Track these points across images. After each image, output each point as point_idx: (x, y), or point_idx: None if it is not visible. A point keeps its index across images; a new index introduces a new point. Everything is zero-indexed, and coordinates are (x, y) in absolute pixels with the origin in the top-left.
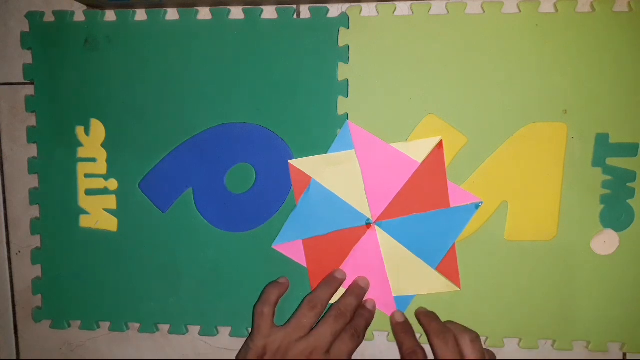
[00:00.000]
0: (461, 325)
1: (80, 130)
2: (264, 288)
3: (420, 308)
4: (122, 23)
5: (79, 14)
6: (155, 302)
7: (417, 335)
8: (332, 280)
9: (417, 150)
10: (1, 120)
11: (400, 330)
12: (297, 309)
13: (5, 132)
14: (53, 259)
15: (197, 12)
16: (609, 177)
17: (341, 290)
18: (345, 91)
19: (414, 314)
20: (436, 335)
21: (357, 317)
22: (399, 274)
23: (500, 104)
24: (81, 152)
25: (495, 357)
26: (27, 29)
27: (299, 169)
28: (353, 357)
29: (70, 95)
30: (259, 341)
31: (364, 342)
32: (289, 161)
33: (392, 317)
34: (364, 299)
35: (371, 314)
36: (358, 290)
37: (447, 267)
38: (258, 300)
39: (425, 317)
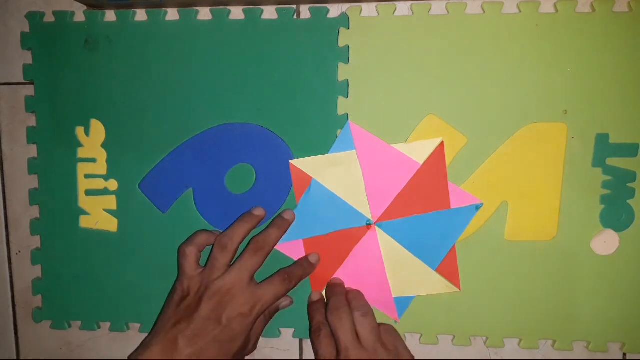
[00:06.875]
0: (360, 299)
1: (80, 131)
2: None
3: (333, 279)
4: (122, 23)
5: (79, 14)
6: (156, 302)
7: (418, 336)
8: (247, 218)
9: (418, 151)
10: (1, 120)
11: (314, 308)
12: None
13: (5, 132)
14: (53, 260)
15: (197, 12)
16: (609, 177)
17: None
18: (346, 91)
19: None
20: (331, 312)
21: (295, 264)
22: (399, 275)
23: (500, 104)
24: (81, 153)
25: (396, 331)
26: (27, 29)
27: (300, 169)
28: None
29: (70, 96)
30: (184, 281)
31: None
32: (290, 161)
33: (309, 298)
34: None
35: (311, 267)
36: (280, 221)
37: (447, 269)
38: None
39: (329, 290)
